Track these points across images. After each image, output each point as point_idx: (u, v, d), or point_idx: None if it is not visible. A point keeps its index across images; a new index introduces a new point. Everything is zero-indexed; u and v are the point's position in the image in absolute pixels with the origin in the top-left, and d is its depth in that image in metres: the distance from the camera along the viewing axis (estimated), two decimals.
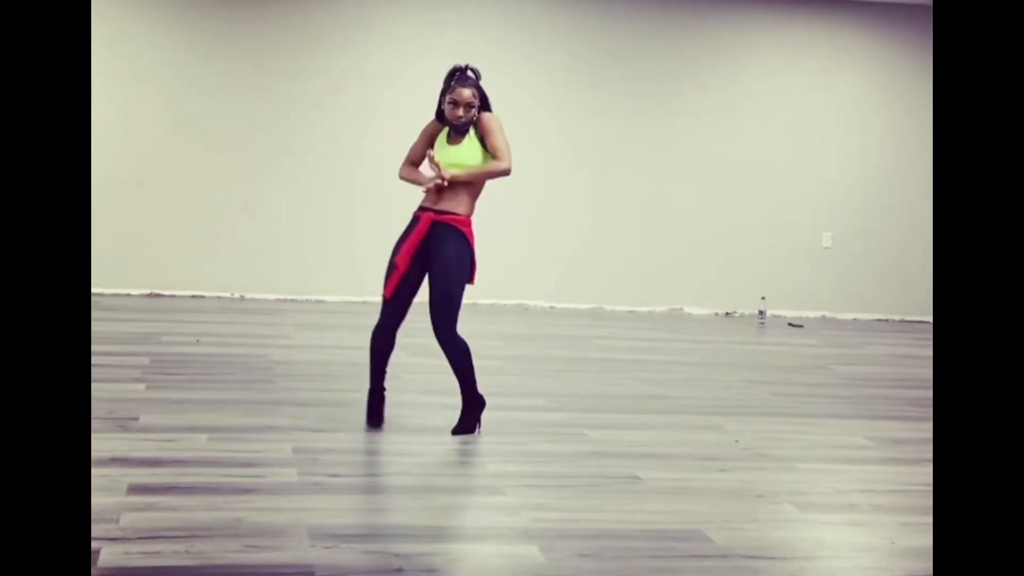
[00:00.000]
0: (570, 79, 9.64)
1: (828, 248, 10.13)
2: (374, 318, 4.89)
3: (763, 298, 9.88)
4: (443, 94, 4.74)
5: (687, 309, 9.96)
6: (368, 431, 4.69)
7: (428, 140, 4.83)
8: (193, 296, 9.19)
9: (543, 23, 9.58)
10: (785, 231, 10.04)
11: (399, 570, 3.07)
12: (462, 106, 4.65)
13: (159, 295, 9.14)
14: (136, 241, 9.02)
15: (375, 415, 4.76)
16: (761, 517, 3.77)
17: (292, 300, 9.32)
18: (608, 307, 9.83)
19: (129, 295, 9.04)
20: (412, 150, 4.93)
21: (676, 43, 9.76)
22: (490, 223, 9.58)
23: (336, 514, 3.54)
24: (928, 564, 3.36)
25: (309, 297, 9.38)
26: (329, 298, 9.38)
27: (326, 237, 9.39)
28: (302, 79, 9.29)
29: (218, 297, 9.23)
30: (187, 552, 3.11)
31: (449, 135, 4.75)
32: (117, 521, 3.31)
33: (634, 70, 9.71)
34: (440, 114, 4.78)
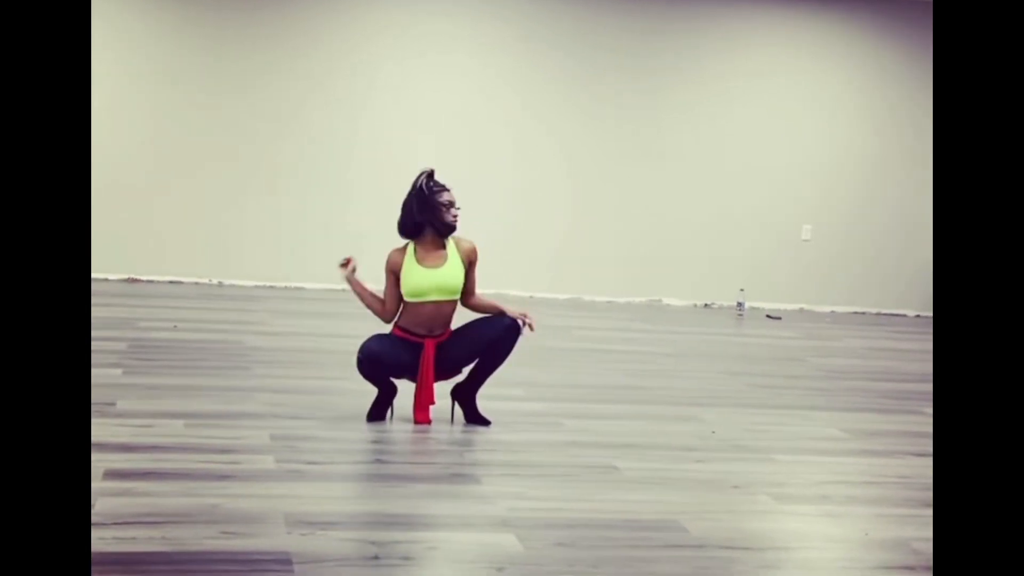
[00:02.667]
0: (551, 72, 9.63)
1: (807, 241, 10.17)
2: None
3: (742, 290, 9.92)
4: (428, 202, 4.60)
5: (666, 300, 9.98)
6: (368, 424, 4.68)
7: (394, 275, 4.62)
8: (171, 282, 9.16)
9: (526, 17, 9.56)
10: (764, 224, 10.08)
11: (375, 557, 3.07)
12: (453, 204, 4.64)
13: (137, 280, 9.10)
14: (114, 226, 8.96)
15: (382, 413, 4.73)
16: (737, 508, 3.78)
17: (270, 287, 9.29)
18: (587, 297, 9.85)
19: (107, 280, 8.99)
20: (388, 296, 4.65)
21: (655, 37, 9.76)
22: (469, 213, 9.56)
23: (313, 501, 3.53)
24: (901, 555, 3.39)
25: (287, 284, 9.35)
26: (307, 285, 9.35)
27: (305, 224, 9.36)
28: (284, 69, 9.25)
29: (196, 283, 9.19)
30: (163, 538, 3.10)
31: (417, 254, 4.62)
32: (92, 506, 3.30)
33: (613, 63, 9.71)
34: (420, 226, 4.63)
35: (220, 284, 9.23)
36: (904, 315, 10.34)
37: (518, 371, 6.09)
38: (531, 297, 9.70)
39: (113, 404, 4.65)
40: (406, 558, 3.09)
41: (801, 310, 10.17)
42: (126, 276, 9.09)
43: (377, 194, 9.40)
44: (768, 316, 9.69)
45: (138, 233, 9.08)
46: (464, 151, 9.56)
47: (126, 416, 4.47)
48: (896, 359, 7.63)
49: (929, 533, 3.61)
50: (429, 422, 4.66)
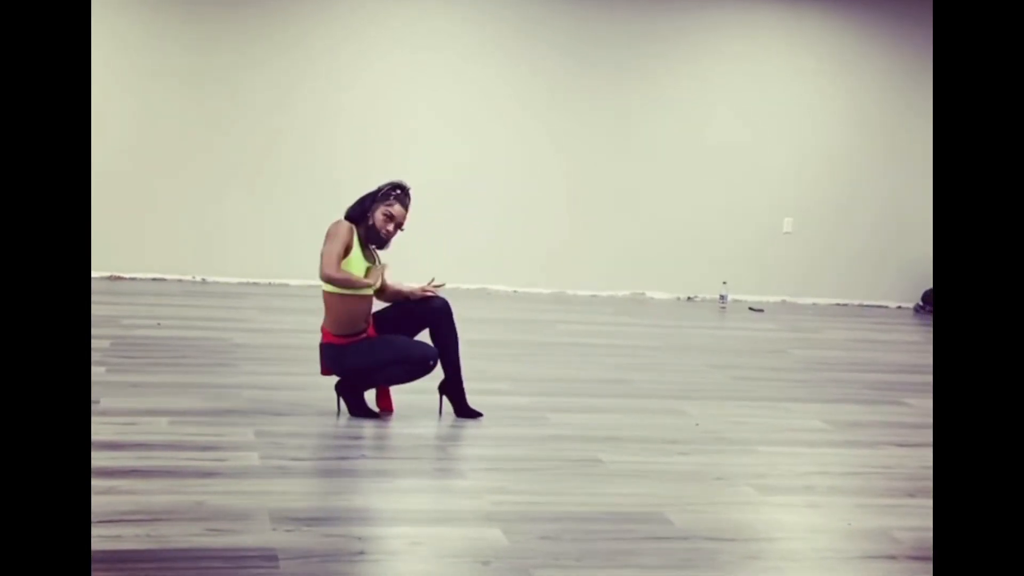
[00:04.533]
0: (536, 69, 9.63)
1: (788, 233, 10.21)
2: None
3: (724, 283, 9.95)
4: (375, 200, 4.59)
5: (649, 294, 10.01)
6: (338, 417, 4.70)
7: (346, 247, 4.54)
8: (154, 279, 9.13)
9: (513, 12, 9.55)
10: (746, 216, 10.11)
11: (361, 553, 3.09)
12: (395, 222, 4.60)
13: (120, 278, 9.07)
14: (97, 223, 8.92)
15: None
16: (720, 499, 3.81)
17: (254, 283, 9.27)
18: (570, 292, 9.86)
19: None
20: (334, 254, 4.51)
21: (638, 30, 9.78)
22: (453, 208, 9.58)
23: (298, 497, 3.54)
24: (883, 545, 3.42)
25: (272, 280, 9.34)
26: (292, 282, 9.34)
27: (289, 220, 9.34)
28: (268, 65, 9.23)
29: (179, 280, 9.17)
30: (148, 536, 3.10)
31: (364, 251, 4.61)
32: None
33: (596, 58, 9.72)
34: (360, 217, 4.60)
35: (204, 281, 9.21)
36: (886, 307, 10.39)
37: (503, 365, 6.10)
38: (515, 292, 9.71)
39: (97, 402, 4.64)
40: (391, 553, 3.11)
41: (783, 302, 10.21)
42: (109, 274, 9.06)
43: (362, 190, 9.37)
44: (751, 309, 9.73)
45: (121, 230, 9.05)
46: (448, 149, 9.56)
47: (110, 414, 4.47)
48: (878, 350, 7.67)
49: (911, 523, 3.65)
50: (392, 408, 4.72)
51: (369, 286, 4.55)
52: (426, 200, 9.59)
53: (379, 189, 4.68)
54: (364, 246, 4.66)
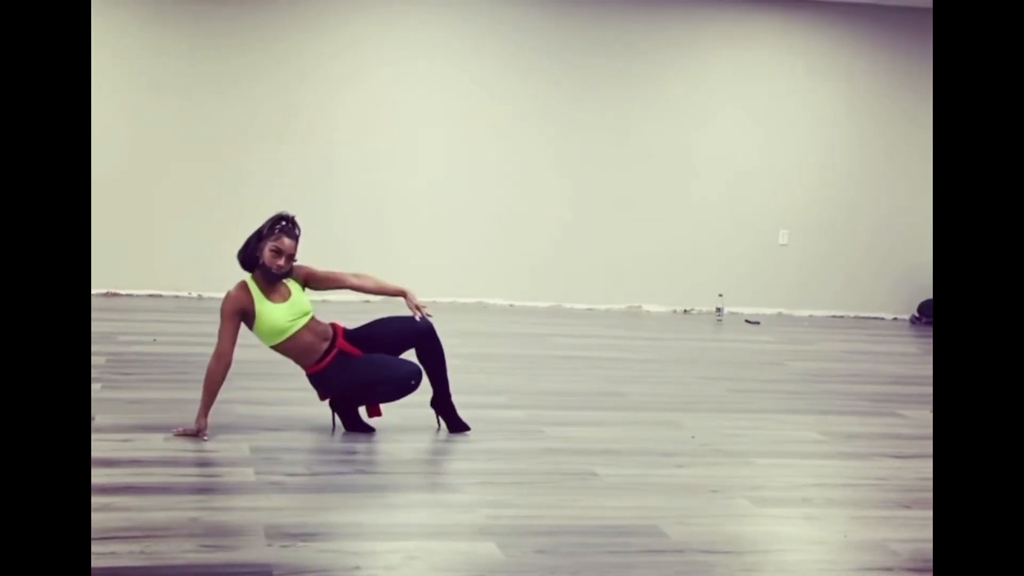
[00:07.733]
0: (531, 79, 9.65)
1: (784, 245, 10.22)
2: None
3: (720, 295, 9.96)
4: (261, 239, 4.56)
5: (645, 307, 10.01)
6: (333, 432, 4.70)
7: (239, 317, 4.54)
8: (150, 295, 9.13)
9: (508, 22, 9.58)
10: (742, 229, 10.12)
11: (356, 568, 3.08)
12: (285, 256, 4.54)
13: (116, 294, 9.06)
14: (93, 239, 8.91)
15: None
16: (716, 512, 3.80)
17: None
18: (567, 305, 9.87)
19: None
20: (224, 337, 4.53)
21: (635, 41, 9.80)
22: (449, 221, 9.59)
23: (293, 513, 3.54)
24: (879, 556, 3.42)
25: None
26: None
27: None
28: (263, 79, 9.24)
29: (175, 296, 9.17)
30: (143, 552, 3.10)
31: (263, 290, 4.57)
32: None
33: (592, 68, 9.74)
34: (251, 261, 4.58)
35: (200, 297, 9.21)
36: (881, 318, 10.40)
37: (499, 379, 6.10)
38: (511, 306, 9.71)
39: (93, 419, 4.63)
40: (387, 568, 3.10)
41: (779, 314, 10.22)
42: (105, 290, 9.05)
43: (359, 204, 9.41)
44: (747, 321, 9.73)
45: (117, 246, 9.05)
46: (445, 161, 9.57)
47: (105, 431, 4.46)
48: (874, 362, 7.67)
49: (907, 534, 3.65)
50: (380, 413, 4.73)
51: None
52: (423, 213, 9.61)
53: (263, 226, 4.61)
54: (266, 291, 4.59)
